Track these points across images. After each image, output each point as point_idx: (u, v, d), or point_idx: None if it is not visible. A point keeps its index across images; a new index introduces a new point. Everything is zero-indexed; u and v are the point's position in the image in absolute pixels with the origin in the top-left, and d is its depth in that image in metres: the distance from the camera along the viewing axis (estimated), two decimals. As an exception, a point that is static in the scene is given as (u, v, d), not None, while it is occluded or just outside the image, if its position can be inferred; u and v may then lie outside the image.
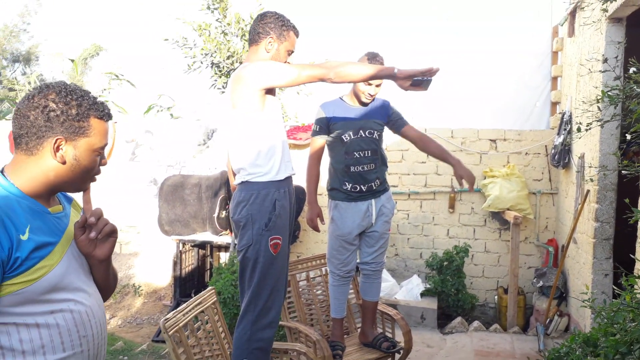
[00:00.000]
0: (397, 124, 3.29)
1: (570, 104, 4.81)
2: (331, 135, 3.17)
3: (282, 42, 2.57)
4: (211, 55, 5.37)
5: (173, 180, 5.55)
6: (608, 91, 2.30)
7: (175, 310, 2.52)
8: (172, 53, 5.69)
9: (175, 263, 5.35)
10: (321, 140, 3.20)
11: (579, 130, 2.28)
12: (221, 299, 4.18)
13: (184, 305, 2.60)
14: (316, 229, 3.22)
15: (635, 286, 2.47)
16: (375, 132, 3.17)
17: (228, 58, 5.32)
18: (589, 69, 3.83)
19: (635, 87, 2.35)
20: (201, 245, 5.66)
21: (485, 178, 5.57)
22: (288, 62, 2.62)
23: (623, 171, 2.19)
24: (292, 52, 2.64)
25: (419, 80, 2.42)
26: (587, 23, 3.90)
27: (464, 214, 5.69)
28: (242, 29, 5.50)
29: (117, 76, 8.13)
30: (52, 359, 1.24)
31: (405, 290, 5.14)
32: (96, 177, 1.40)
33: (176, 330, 2.44)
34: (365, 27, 6.10)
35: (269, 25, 2.55)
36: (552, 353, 2.50)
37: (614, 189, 3.98)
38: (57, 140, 1.26)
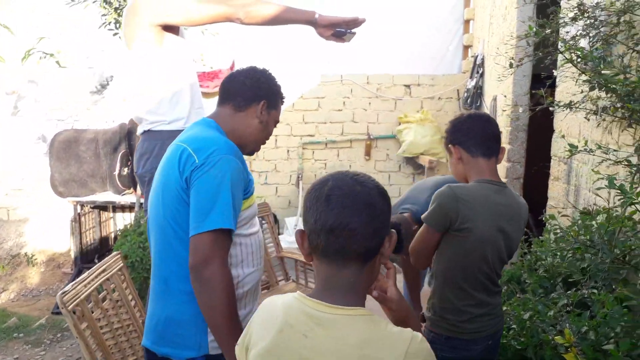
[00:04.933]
0: None
1: (483, 47, 4.83)
2: None
3: None
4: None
5: (65, 136, 4.94)
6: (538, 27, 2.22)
7: (74, 282, 2.19)
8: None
9: (73, 227, 4.84)
10: None
11: (511, 66, 2.19)
12: (129, 262, 3.83)
13: (85, 274, 2.27)
14: None
15: (548, 223, 2.51)
16: None
17: (120, -8, 4.68)
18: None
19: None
20: (103, 207, 5.16)
21: (400, 124, 5.55)
22: None
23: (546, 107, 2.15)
24: None
25: (341, 32, 2.20)
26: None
27: (380, 161, 5.67)
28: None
29: (-13, 18, 7.01)
30: (247, 272, 1.55)
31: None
32: None
33: (77, 304, 2.12)
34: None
35: None
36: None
37: (525, 130, 4.08)
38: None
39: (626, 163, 1.47)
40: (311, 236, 0.99)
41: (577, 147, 1.65)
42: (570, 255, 2.08)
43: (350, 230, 0.95)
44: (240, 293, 1.52)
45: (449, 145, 1.71)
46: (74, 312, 2.10)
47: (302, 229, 1.04)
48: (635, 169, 1.57)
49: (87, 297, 2.20)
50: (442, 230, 1.57)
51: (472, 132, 1.66)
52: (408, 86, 5.57)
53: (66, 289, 2.11)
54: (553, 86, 2.61)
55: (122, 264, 2.51)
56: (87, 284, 2.23)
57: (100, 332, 2.23)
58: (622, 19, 2.20)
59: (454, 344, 1.59)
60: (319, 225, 0.97)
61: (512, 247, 1.64)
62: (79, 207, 4.88)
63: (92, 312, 2.22)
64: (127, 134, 4.89)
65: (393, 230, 1.04)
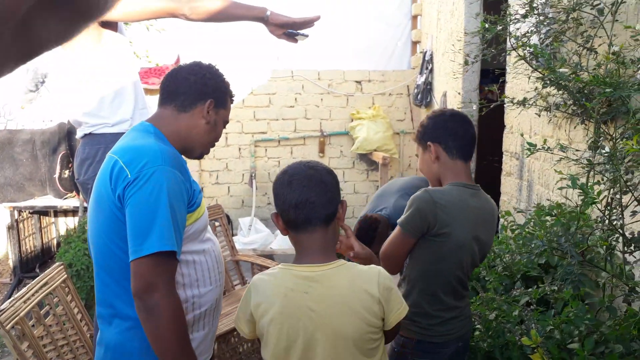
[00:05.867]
0: None
1: (432, 43, 4.87)
2: None
3: None
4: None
5: (-2, 137, 4.61)
6: (488, 26, 2.23)
7: (13, 298, 2.03)
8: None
9: (10, 234, 4.53)
10: None
11: (466, 63, 2.18)
12: (74, 271, 3.62)
13: (25, 289, 2.11)
14: None
15: (504, 219, 2.54)
16: None
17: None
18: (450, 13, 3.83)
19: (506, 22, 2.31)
20: (43, 212, 4.87)
21: (352, 120, 5.54)
22: None
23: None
24: None
25: (293, 32, 2.14)
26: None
27: (334, 158, 5.64)
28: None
29: None
30: (203, 291, 1.44)
31: (281, 239, 4.99)
32: None
33: (16, 322, 1.96)
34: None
35: None
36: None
37: (475, 125, 4.14)
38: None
39: (586, 162, 1.49)
40: (283, 214, 1.29)
41: (535, 145, 1.65)
42: (527, 252, 2.11)
43: (311, 202, 1.25)
44: (197, 314, 1.42)
45: (428, 143, 1.62)
46: (13, 328, 1.94)
47: (276, 211, 1.32)
48: (589, 167, 1.59)
49: (28, 314, 2.04)
50: (418, 236, 1.52)
51: (455, 134, 1.59)
52: (359, 82, 5.56)
53: (3, 306, 1.95)
54: (498, 81, 2.64)
55: (65, 275, 2.35)
56: (27, 299, 2.07)
57: (43, 350, 2.08)
58: (570, 17, 2.24)
59: (425, 347, 1.56)
60: (287, 204, 1.26)
61: (485, 250, 1.63)
62: (16, 213, 4.57)
63: (34, 329, 2.07)
64: (67, 134, 4.62)
65: (344, 199, 1.34)
